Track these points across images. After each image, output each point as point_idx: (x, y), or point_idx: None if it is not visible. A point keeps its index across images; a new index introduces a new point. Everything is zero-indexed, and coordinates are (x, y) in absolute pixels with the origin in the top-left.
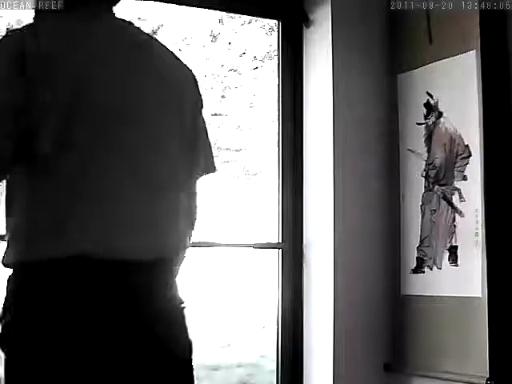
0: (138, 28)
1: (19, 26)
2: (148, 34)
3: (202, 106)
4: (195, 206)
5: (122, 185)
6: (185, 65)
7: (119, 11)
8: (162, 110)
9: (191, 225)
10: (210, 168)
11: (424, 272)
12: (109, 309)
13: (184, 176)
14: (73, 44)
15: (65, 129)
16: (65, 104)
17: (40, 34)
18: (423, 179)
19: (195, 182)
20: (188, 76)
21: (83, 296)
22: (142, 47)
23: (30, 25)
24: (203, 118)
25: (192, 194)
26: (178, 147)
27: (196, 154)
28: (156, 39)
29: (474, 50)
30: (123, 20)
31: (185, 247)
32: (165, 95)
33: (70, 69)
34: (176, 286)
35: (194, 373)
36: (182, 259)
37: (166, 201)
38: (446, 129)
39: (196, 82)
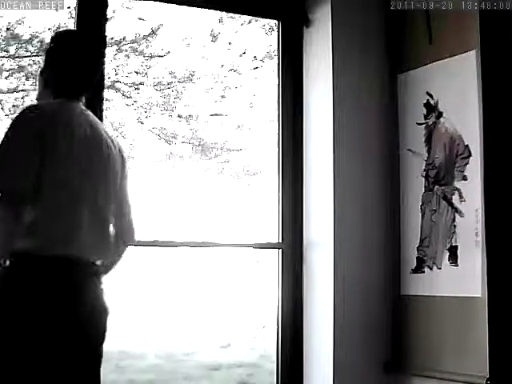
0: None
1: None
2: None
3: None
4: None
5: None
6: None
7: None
8: (106, 170)
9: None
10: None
11: (424, 272)
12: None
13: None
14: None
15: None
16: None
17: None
18: (423, 179)
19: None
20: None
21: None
22: (98, 127)
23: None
24: (126, 182)
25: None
26: (113, 191)
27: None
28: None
29: (474, 50)
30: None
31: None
32: (109, 161)
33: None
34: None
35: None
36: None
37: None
38: (446, 129)
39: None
